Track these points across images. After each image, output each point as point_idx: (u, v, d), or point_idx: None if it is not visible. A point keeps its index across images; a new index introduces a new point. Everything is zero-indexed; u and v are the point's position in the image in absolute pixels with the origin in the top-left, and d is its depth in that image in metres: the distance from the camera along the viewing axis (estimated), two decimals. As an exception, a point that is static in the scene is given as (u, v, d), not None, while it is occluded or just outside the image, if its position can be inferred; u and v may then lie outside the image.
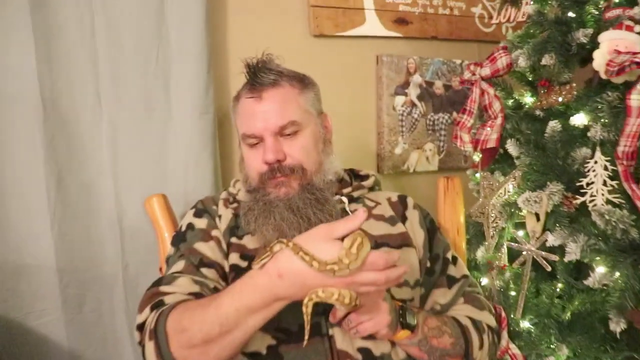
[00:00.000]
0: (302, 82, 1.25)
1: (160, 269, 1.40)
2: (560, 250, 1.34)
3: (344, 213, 1.22)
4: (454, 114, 2.23)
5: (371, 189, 1.34)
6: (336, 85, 1.97)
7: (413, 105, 2.12)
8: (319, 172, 1.22)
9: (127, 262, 1.66)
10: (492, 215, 1.55)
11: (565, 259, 1.26)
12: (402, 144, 2.12)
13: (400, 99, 2.09)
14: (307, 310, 0.89)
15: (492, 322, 1.24)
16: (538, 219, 1.35)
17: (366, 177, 1.36)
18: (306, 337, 0.91)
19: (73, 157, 1.58)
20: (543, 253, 1.32)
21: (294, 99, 1.21)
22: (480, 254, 1.60)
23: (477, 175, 1.76)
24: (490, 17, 2.24)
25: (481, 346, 1.17)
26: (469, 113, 1.55)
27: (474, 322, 1.18)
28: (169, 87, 1.66)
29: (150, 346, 0.98)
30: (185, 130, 1.67)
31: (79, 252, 1.60)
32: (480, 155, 1.60)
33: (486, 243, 1.56)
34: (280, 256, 0.91)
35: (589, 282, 1.23)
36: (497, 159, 1.64)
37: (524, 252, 1.37)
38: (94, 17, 1.55)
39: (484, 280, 1.63)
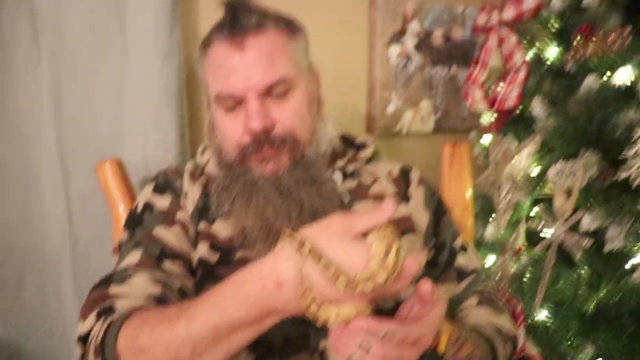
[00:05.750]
0: (290, 26, 0.97)
1: (115, 251, 1.14)
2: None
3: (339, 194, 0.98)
4: (453, 68, 1.97)
5: (369, 160, 1.09)
6: (322, 33, 1.68)
7: (409, 56, 1.86)
8: (313, 142, 0.97)
9: (76, 236, 1.40)
10: (506, 187, 1.32)
11: (605, 249, 1.05)
12: (396, 100, 1.87)
13: (395, 50, 1.82)
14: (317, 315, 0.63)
15: (512, 328, 0.99)
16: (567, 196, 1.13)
17: (363, 145, 1.11)
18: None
19: (6, 106, 1.30)
20: (576, 237, 1.10)
21: (283, 48, 0.93)
22: (489, 232, 1.38)
23: (485, 139, 1.53)
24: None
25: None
26: (483, 65, 1.31)
27: (499, 330, 0.94)
28: (125, 24, 1.35)
29: None
30: (144, 78, 1.36)
31: (14, 225, 1.34)
32: (495, 116, 1.36)
33: (497, 220, 1.34)
34: (281, 257, 0.64)
35: (636, 276, 1.02)
36: (509, 121, 1.41)
37: (550, 235, 1.14)
38: None
39: (490, 260, 1.42)
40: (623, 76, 1.11)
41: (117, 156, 1.26)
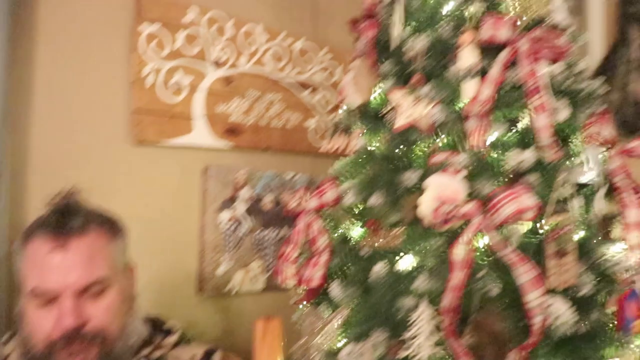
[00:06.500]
0: (112, 228, 1.06)
1: None
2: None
3: None
4: (284, 229, 2.11)
5: (175, 344, 1.14)
6: (157, 199, 1.78)
7: (240, 221, 1.98)
8: (121, 338, 1.02)
9: None
10: (316, 356, 1.41)
11: None
12: (227, 262, 1.95)
13: (226, 215, 1.94)
14: None
15: None
16: (362, 372, 1.23)
17: (170, 331, 1.17)
18: None
19: None
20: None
21: (102, 250, 1.01)
22: (301, 401, 1.44)
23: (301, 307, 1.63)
24: (324, 134, 2.20)
25: None
26: (294, 245, 1.43)
27: None
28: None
29: None
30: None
31: None
32: (305, 289, 1.48)
33: (308, 390, 1.40)
34: None
35: None
36: (324, 290, 1.53)
37: (346, 411, 1.23)
38: None
39: None
40: (405, 264, 1.28)
41: None
